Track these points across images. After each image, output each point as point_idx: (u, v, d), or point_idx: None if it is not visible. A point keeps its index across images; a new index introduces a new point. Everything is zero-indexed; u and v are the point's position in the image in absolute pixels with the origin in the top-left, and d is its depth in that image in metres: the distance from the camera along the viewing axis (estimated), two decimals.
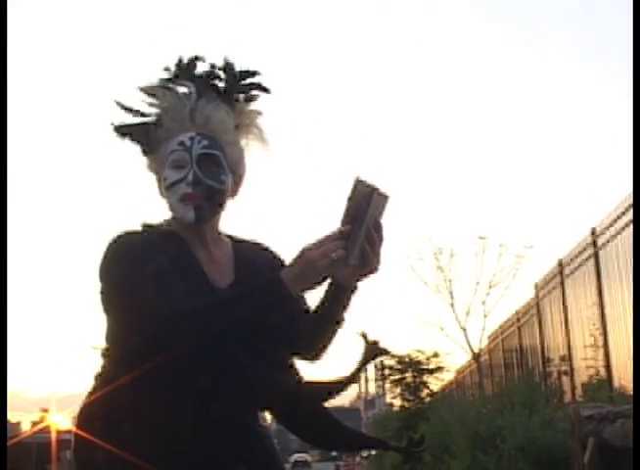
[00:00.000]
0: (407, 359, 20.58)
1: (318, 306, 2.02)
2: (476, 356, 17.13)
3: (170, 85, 2.09)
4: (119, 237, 1.96)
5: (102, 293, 1.93)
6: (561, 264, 11.02)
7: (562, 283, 11.01)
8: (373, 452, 23.72)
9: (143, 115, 2.11)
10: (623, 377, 9.08)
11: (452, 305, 17.07)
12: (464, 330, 17.09)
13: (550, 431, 5.76)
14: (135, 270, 1.86)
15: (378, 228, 1.87)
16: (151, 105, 2.10)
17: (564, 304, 10.95)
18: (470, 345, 17.14)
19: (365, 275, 1.93)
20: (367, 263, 1.87)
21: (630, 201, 8.11)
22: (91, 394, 1.97)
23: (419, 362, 20.64)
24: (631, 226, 8.07)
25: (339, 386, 1.95)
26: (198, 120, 2.04)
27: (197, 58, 2.10)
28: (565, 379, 11.20)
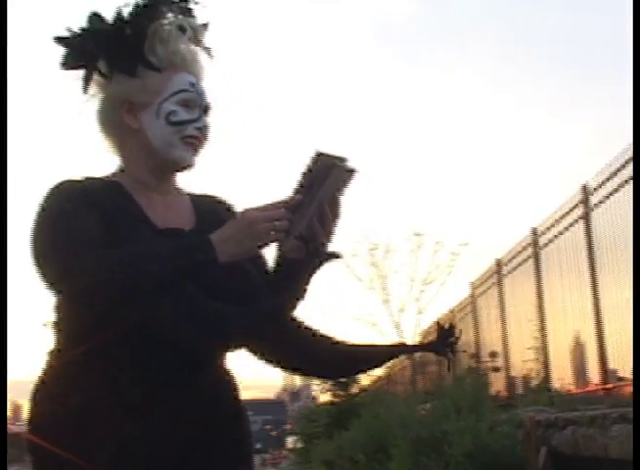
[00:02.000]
0: None
1: (270, 277, 1.89)
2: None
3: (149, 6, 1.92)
4: (57, 187, 1.81)
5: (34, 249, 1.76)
6: (499, 263, 10.99)
7: (499, 282, 10.99)
8: (299, 445, 23.59)
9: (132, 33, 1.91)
10: (562, 378, 9.08)
11: (386, 301, 17.02)
12: (397, 326, 17.05)
13: (499, 436, 5.61)
14: (59, 229, 1.73)
15: (334, 204, 1.74)
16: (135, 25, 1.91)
17: (501, 303, 10.93)
18: (403, 341, 17.06)
19: (312, 252, 1.78)
20: (313, 239, 1.73)
21: (572, 203, 8.08)
22: (44, 370, 1.84)
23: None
24: (575, 226, 8.04)
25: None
26: (188, 59, 1.93)
27: None
28: (501, 378, 11.19)
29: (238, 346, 1.85)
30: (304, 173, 1.71)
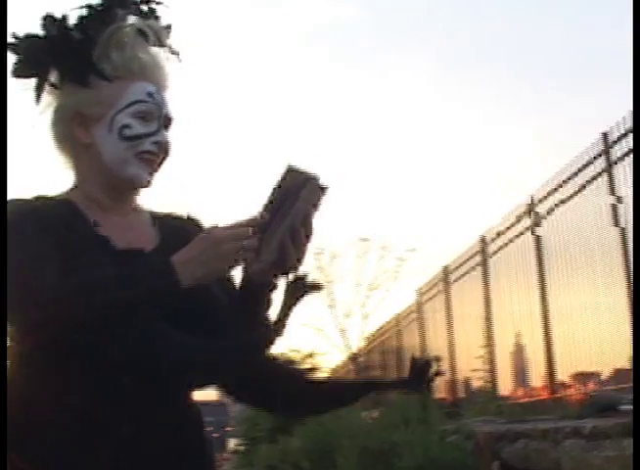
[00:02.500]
0: (282, 359, 20.34)
1: (233, 300, 1.73)
2: (353, 358, 17.06)
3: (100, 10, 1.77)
4: (9, 205, 1.68)
5: None
6: (446, 270, 11.01)
7: (446, 289, 11.00)
8: (241, 448, 23.39)
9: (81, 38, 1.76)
10: (509, 387, 9.13)
11: (332, 306, 16.96)
12: (343, 332, 17.01)
13: (449, 448, 5.57)
14: (13, 253, 1.59)
15: (306, 222, 1.62)
16: (82, 28, 1.76)
17: (447, 309, 10.94)
18: (348, 346, 17.06)
19: (281, 274, 1.66)
20: (284, 261, 1.61)
21: (521, 210, 8.11)
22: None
23: (294, 362, 20.41)
24: (525, 235, 8.07)
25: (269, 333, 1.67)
26: (148, 66, 1.76)
27: None
28: (447, 384, 11.21)
29: (202, 383, 1.72)
30: (275, 189, 1.61)
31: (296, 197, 1.60)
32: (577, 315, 6.96)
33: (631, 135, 5.76)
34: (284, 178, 1.61)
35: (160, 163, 1.76)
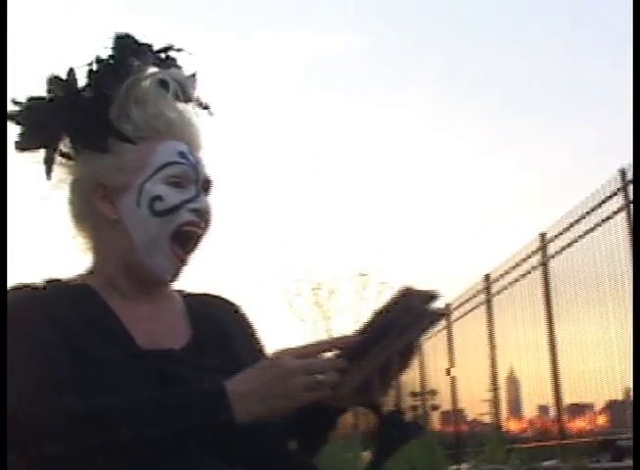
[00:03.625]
0: None
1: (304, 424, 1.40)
2: None
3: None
4: (14, 294, 1.39)
5: None
6: (448, 308, 10.78)
7: (448, 327, 10.78)
8: None
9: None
10: (512, 428, 8.91)
11: None
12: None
13: None
14: (17, 349, 1.29)
15: (408, 353, 1.29)
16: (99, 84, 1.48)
17: (449, 349, 10.71)
18: None
19: (360, 404, 1.34)
20: (366, 394, 1.29)
21: (529, 250, 7.91)
22: None
23: None
24: (535, 273, 7.86)
25: None
26: (176, 122, 1.47)
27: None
28: (447, 421, 10.99)
29: None
30: (380, 313, 1.30)
31: (405, 329, 1.28)
32: (576, 348, 6.87)
33: None
34: (396, 301, 1.28)
35: (200, 237, 1.46)
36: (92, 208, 1.44)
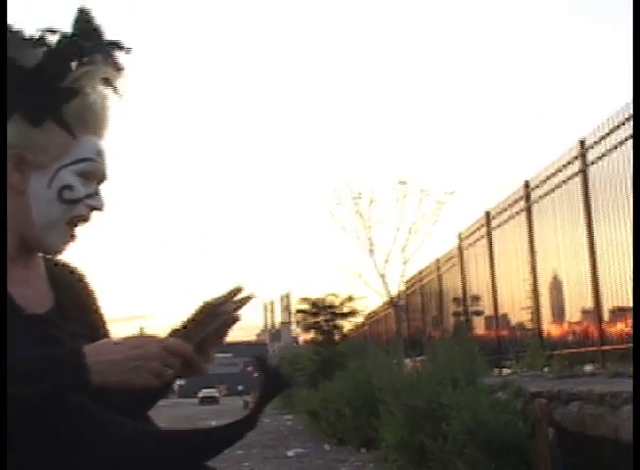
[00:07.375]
0: (321, 303, 20.25)
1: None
2: (393, 302, 16.89)
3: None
4: None
5: None
6: (488, 215, 10.72)
7: (489, 234, 10.73)
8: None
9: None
10: (553, 333, 8.94)
11: (371, 251, 16.75)
12: (382, 277, 16.82)
13: (498, 411, 5.36)
14: None
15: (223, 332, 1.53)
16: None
17: (490, 255, 10.70)
18: (388, 291, 16.88)
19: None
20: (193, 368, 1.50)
21: (569, 156, 7.78)
22: None
23: (333, 306, 20.34)
24: (573, 181, 7.75)
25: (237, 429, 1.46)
26: (99, 119, 1.57)
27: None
28: (488, 325, 11.06)
29: None
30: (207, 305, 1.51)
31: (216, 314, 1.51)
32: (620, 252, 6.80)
33: None
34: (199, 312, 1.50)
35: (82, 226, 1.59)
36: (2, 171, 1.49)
